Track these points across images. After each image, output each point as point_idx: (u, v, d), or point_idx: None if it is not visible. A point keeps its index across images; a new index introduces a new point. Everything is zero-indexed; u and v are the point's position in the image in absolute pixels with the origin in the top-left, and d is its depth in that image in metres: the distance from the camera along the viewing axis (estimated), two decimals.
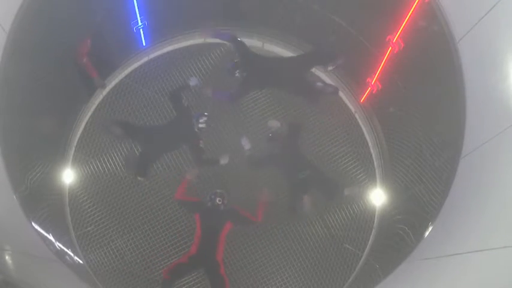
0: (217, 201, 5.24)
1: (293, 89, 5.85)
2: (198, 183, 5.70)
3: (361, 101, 5.94)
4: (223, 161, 5.58)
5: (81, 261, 5.45)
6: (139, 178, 5.63)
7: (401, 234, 4.82)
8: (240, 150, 5.70)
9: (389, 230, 5.37)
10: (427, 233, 4.08)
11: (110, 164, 5.80)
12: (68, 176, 5.73)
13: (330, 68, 5.79)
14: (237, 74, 5.57)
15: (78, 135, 5.84)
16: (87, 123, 5.89)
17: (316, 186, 5.55)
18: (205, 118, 5.45)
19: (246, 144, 5.57)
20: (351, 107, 6.11)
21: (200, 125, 5.44)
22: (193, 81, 5.76)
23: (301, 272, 5.69)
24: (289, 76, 5.71)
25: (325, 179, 5.59)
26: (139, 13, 5.36)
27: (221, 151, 5.75)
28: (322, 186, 5.57)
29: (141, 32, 5.67)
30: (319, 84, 5.86)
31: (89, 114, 5.90)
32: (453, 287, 3.11)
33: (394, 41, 4.70)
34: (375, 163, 5.98)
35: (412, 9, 4.30)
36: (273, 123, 5.76)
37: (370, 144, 6.03)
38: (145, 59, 6.09)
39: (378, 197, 5.83)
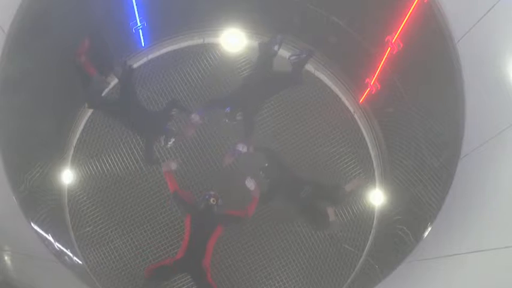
0: (211, 201, 5.10)
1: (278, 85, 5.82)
2: (192, 186, 5.69)
3: (360, 101, 5.94)
4: (248, 183, 5.37)
5: (80, 262, 5.45)
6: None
7: (400, 235, 4.82)
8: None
9: (388, 231, 5.37)
10: (426, 234, 4.09)
11: (109, 164, 5.79)
12: (67, 176, 5.72)
13: (292, 57, 5.72)
14: (238, 117, 5.49)
15: (77, 136, 5.83)
16: (86, 123, 5.87)
17: (322, 197, 5.48)
18: (173, 140, 5.40)
19: (251, 185, 5.34)
20: (350, 107, 6.11)
21: (169, 144, 5.44)
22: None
23: (301, 273, 5.69)
24: (269, 80, 5.67)
25: (325, 187, 5.53)
26: (138, 14, 5.37)
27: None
28: (327, 195, 5.50)
29: (140, 33, 5.67)
30: (293, 57, 5.74)
31: (88, 114, 5.88)
32: None
33: (393, 41, 4.71)
34: (374, 163, 5.97)
35: (411, 10, 4.30)
36: (239, 147, 5.56)
37: (369, 144, 6.03)
38: (144, 59, 6.08)
39: (377, 197, 5.83)
